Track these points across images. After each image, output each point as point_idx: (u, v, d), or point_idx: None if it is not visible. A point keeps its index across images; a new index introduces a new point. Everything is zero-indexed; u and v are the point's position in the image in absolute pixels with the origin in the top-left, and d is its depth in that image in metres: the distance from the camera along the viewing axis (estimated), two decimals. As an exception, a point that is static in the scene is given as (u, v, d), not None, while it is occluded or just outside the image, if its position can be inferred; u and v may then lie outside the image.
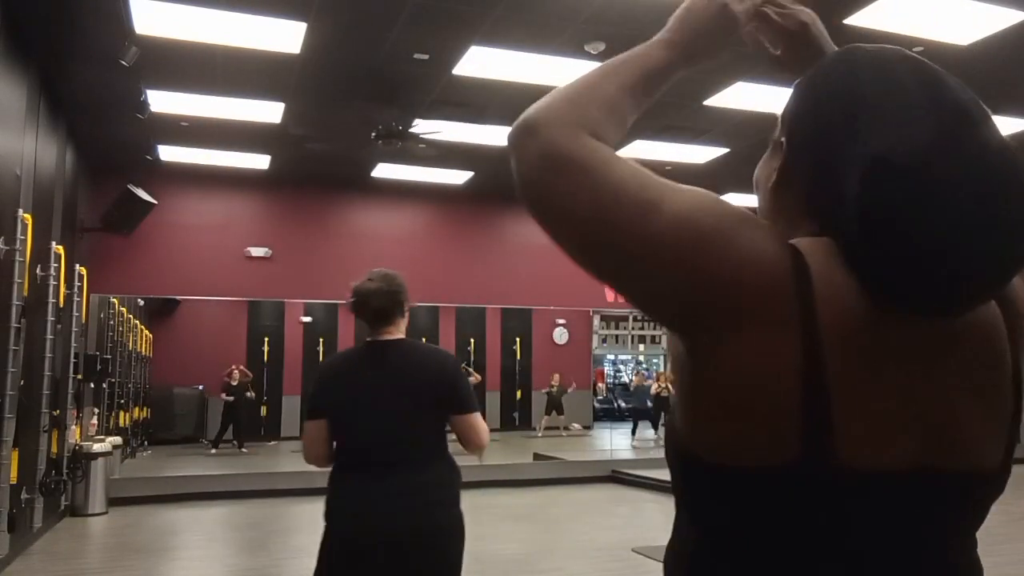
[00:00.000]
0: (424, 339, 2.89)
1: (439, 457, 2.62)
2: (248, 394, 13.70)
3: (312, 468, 2.75)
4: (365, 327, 2.79)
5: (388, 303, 2.69)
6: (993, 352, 0.79)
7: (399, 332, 2.73)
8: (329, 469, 2.67)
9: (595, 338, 19.34)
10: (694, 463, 0.77)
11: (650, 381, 16.10)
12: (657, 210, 0.78)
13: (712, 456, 0.74)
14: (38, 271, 6.52)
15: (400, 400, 2.59)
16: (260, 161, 9.45)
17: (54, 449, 7.33)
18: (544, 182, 0.83)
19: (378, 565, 2.47)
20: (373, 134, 7.71)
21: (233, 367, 13.81)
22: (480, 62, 6.53)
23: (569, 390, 15.74)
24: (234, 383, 13.55)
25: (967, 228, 0.70)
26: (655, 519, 7.90)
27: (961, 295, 0.73)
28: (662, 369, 18.04)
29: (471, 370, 14.66)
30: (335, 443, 2.65)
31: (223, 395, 13.45)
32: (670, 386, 10.99)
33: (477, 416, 2.66)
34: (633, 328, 20.03)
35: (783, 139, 0.87)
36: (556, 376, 15.77)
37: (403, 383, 2.62)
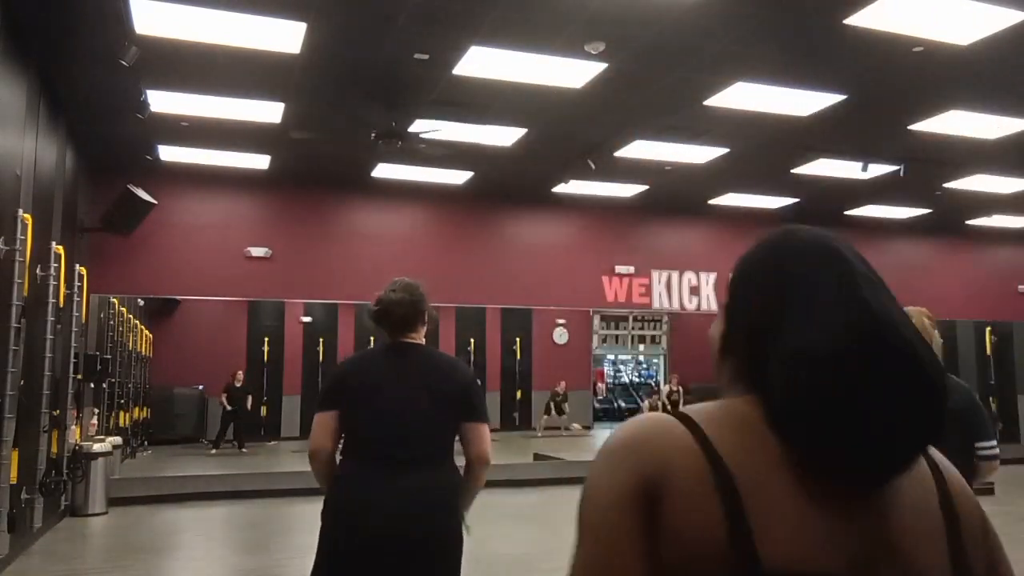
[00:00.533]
0: (427, 329, 2.92)
1: (448, 461, 2.66)
2: (249, 399, 13.75)
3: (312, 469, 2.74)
4: (368, 328, 2.82)
5: (411, 312, 2.76)
6: (926, 521, 0.86)
7: (419, 339, 2.80)
8: (325, 468, 2.67)
9: (595, 338, 19.33)
10: None
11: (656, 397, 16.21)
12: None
13: None
14: (38, 271, 6.52)
15: (418, 400, 2.62)
16: (260, 161, 9.45)
17: (54, 449, 7.33)
18: None
19: (385, 559, 2.47)
20: (373, 134, 7.71)
21: (239, 371, 13.88)
22: (480, 62, 6.53)
23: (559, 390, 15.79)
24: (238, 384, 13.57)
25: (874, 413, 0.80)
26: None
27: (868, 470, 0.82)
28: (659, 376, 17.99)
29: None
30: (348, 436, 2.65)
31: (223, 399, 13.45)
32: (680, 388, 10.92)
33: (487, 427, 2.71)
34: (633, 328, 20.03)
35: (728, 305, 0.97)
36: (562, 383, 15.84)
37: (422, 384, 2.66)
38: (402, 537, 2.49)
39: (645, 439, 0.84)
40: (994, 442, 3.00)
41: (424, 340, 2.81)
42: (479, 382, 2.83)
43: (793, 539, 0.79)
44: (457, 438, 2.71)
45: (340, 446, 2.70)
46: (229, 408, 13.39)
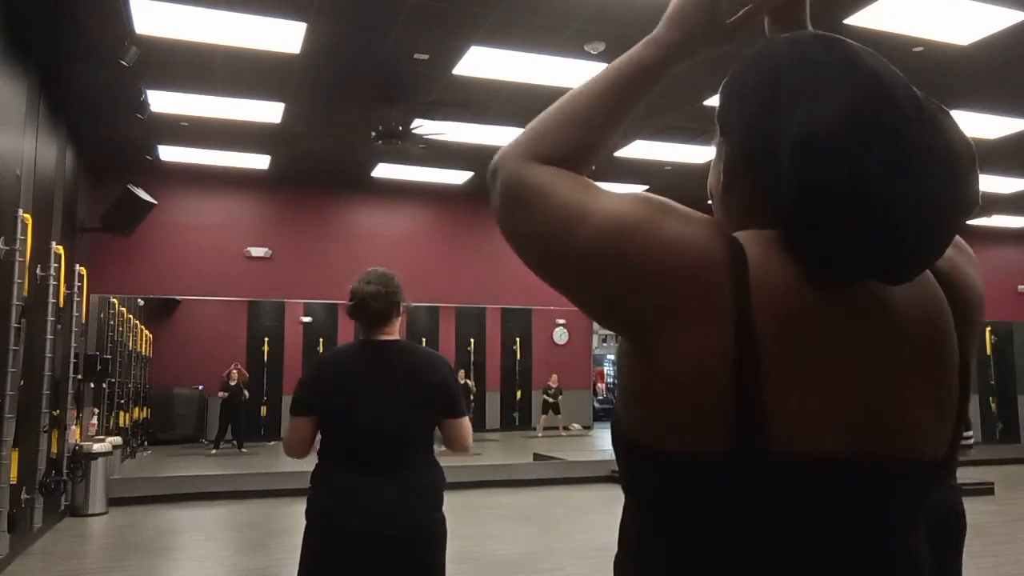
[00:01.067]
0: (424, 339, 2.90)
1: (428, 459, 2.64)
2: (244, 394, 13.71)
3: (312, 468, 2.74)
4: (355, 327, 2.79)
5: (387, 305, 2.70)
6: (936, 334, 0.79)
7: (395, 332, 2.73)
8: (309, 461, 2.66)
9: (595, 338, 19.33)
10: (637, 452, 0.79)
11: None
12: (584, 220, 0.79)
13: (653, 444, 0.76)
14: (38, 271, 6.52)
15: (396, 399, 2.58)
16: (260, 161, 9.45)
17: (54, 449, 7.33)
18: (504, 216, 0.87)
19: (371, 563, 2.46)
20: (373, 134, 7.71)
21: (232, 367, 13.83)
22: (480, 62, 6.53)
23: (552, 384, 15.78)
24: (232, 382, 13.56)
25: (892, 195, 0.71)
26: (655, 519, 7.89)
27: (893, 259, 0.74)
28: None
29: (470, 383, 14.67)
30: (325, 439, 2.63)
31: (219, 393, 13.46)
32: None
33: (467, 420, 2.69)
34: (633, 328, 20.02)
35: (721, 138, 0.89)
36: (554, 377, 15.81)
37: (399, 383, 2.62)
38: (385, 537, 2.47)
39: (686, 211, 0.79)
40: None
41: (399, 333, 2.76)
42: (456, 376, 2.79)
43: (803, 408, 0.72)
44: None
45: (318, 447, 2.67)
46: (224, 394, 13.34)
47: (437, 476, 2.64)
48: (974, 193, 0.76)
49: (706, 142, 8.70)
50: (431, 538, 2.56)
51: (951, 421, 0.80)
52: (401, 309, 2.75)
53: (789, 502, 0.73)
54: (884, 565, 0.77)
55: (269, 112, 7.73)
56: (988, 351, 14.10)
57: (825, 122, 0.73)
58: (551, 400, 15.70)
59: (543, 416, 15.74)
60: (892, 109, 0.74)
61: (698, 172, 9.72)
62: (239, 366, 13.91)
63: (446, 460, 2.73)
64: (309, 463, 2.71)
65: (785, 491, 0.73)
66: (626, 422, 0.79)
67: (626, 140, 8.68)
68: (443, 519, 2.61)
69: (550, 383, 15.80)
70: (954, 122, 0.76)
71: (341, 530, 2.50)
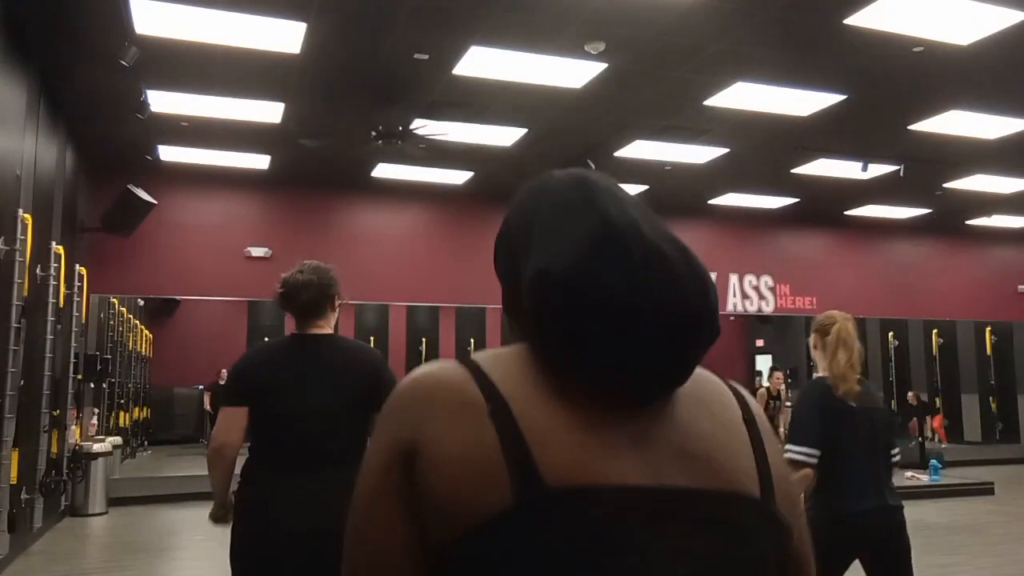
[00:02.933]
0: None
1: (359, 456, 2.56)
2: None
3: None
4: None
5: (318, 296, 2.63)
6: (714, 401, 0.85)
7: (328, 327, 2.67)
8: (229, 467, 2.58)
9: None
10: (438, 550, 0.76)
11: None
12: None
13: (440, 536, 0.75)
14: (38, 271, 6.52)
15: (328, 396, 2.52)
16: (260, 161, 9.45)
17: (54, 449, 7.33)
18: None
19: (295, 565, 2.40)
20: (373, 134, 7.71)
21: (223, 370, 13.83)
22: (480, 62, 6.53)
23: None
24: (222, 382, 13.55)
25: (626, 325, 0.76)
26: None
27: (637, 384, 0.78)
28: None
29: None
30: (255, 438, 2.57)
31: (207, 399, 13.39)
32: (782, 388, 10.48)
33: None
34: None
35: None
36: None
37: (331, 378, 2.55)
38: (313, 539, 2.41)
39: (412, 396, 0.81)
40: (798, 448, 2.89)
41: (333, 328, 2.69)
42: (388, 370, 2.69)
43: (575, 455, 0.74)
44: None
45: (248, 444, 2.60)
46: (211, 411, 13.31)
47: None
48: (706, 319, 0.80)
49: (706, 142, 8.70)
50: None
51: (747, 465, 0.81)
52: (336, 304, 2.69)
53: (593, 535, 0.72)
54: None
55: (269, 112, 7.73)
56: (988, 351, 14.10)
57: (558, 258, 0.80)
58: None
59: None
60: (617, 251, 0.79)
61: (698, 172, 9.72)
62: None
63: None
64: (217, 453, 2.61)
65: (583, 523, 0.72)
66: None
67: (626, 140, 8.68)
68: None
69: None
70: (684, 256, 0.82)
71: (267, 526, 2.44)
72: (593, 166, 9.10)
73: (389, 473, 0.79)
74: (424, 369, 0.83)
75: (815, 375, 3.07)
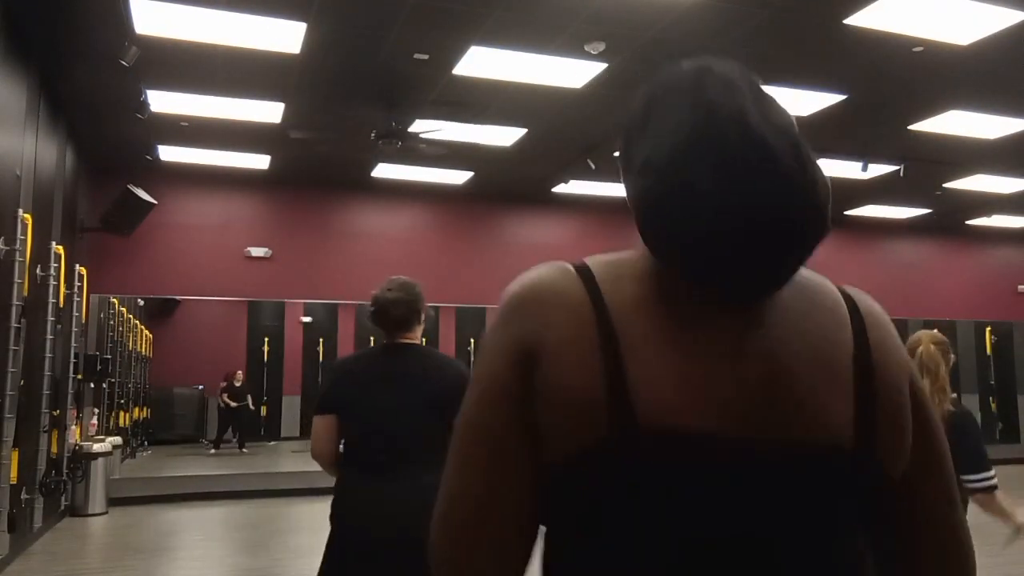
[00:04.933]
0: (424, 339, 2.91)
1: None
2: (249, 400, 13.73)
3: (312, 468, 2.74)
4: (368, 328, 2.83)
5: (407, 312, 2.75)
6: (817, 327, 0.82)
7: (416, 338, 2.79)
8: (331, 468, 2.67)
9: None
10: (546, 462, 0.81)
11: None
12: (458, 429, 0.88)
13: (547, 456, 0.79)
14: (38, 271, 6.52)
15: (414, 402, 2.62)
16: (260, 161, 9.45)
17: (54, 449, 7.33)
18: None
19: (389, 566, 2.46)
20: (373, 134, 7.71)
21: (238, 371, 13.87)
22: (480, 62, 6.53)
23: None
24: (238, 384, 13.57)
25: (717, 220, 0.74)
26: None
27: (728, 284, 0.77)
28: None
29: None
30: (346, 441, 2.65)
31: (225, 397, 13.43)
32: None
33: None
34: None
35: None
36: None
37: (417, 385, 2.66)
38: (399, 537, 2.47)
39: (532, 298, 0.82)
40: (985, 473, 2.94)
41: (420, 340, 2.81)
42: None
43: (673, 391, 0.76)
44: None
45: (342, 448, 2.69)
46: (233, 405, 13.36)
47: None
48: (811, 212, 0.76)
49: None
50: None
51: (851, 408, 0.79)
52: (422, 317, 2.81)
53: (674, 478, 0.75)
54: (787, 556, 0.77)
55: (269, 112, 7.73)
56: (988, 351, 14.10)
57: (660, 148, 0.79)
58: None
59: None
60: (717, 141, 0.77)
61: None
62: (240, 372, 13.96)
63: None
64: (315, 460, 2.71)
65: (666, 466, 0.75)
66: None
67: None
68: None
69: None
70: (792, 143, 0.78)
71: (360, 536, 2.52)
72: (593, 166, 9.10)
73: (514, 369, 0.81)
74: (539, 274, 0.85)
75: None
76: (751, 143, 0.76)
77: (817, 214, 0.77)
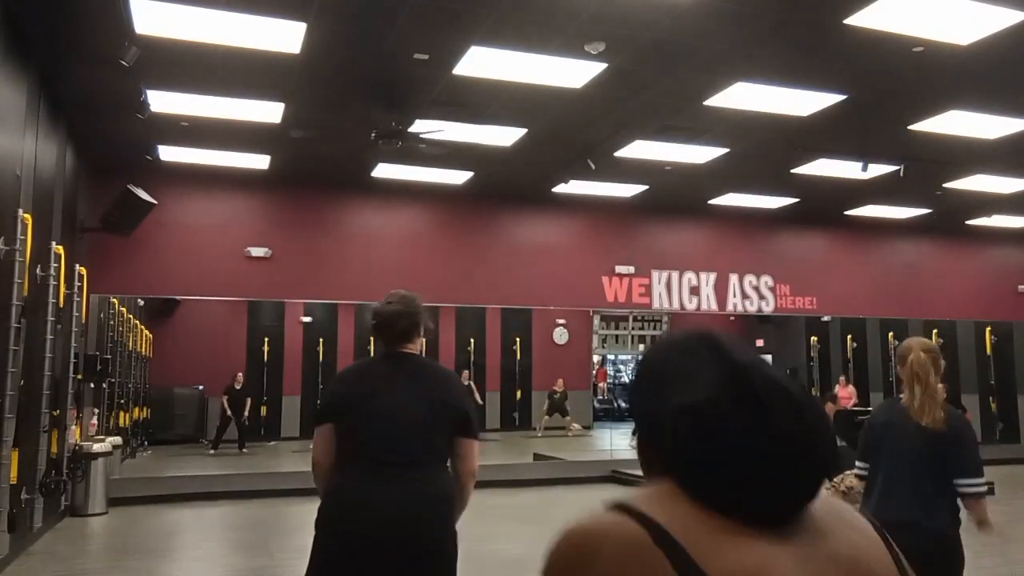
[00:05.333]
0: (424, 340, 2.95)
1: (443, 467, 2.68)
2: (248, 400, 13.73)
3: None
4: (368, 328, 2.86)
5: (409, 325, 2.81)
6: (851, 542, 0.93)
7: (416, 350, 2.85)
8: (325, 481, 2.67)
9: (595, 338, 19.32)
10: None
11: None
12: None
13: None
14: (38, 271, 6.52)
15: (415, 407, 2.66)
16: (260, 161, 9.45)
17: (54, 449, 7.33)
18: None
19: (381, 563, 2.46)
20: (373, 134, 7.71)
21: (239, 373, 13.87)
22: (480, 62, 6.53)
23: (557, 388, 15.79)
24: (238, 386, 13.58)
25: (751, 447, 0.87)
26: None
27: (765, 508, 0.88)
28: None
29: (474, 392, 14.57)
30: (344, 442, 2.66)
31: (225, 401, 13.41)
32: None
33: (477, 444, 2.77)
34: (633, 328, 20.02)
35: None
36: (560, 381, 15.85)
37: (418, 392, 2.70)
38: (398, 540, 2.48)
39: (598, 553, 0.88)
40: (979, 479, 2.96)
41: (419, 351, 2.87)
42: (473, 397, 2.89)
43: None
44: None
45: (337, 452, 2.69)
46: (230, 414, 13.37)
47: (451, 488, 2.67)
48: (825, 452, 0.91)
49: (706, 142, 8.70)
50: (443, 542, 2.58)
51: None
52: (422, 329, 2.86)
53: None
54: None
55: (269, 112, 7.73)
56: (988, 351, 14.10)
57: (698, 394, 0.92)
58: (556, 399, 15.74)
59: (546, 416, 15.75)
60: (748, 386, 0.91)
61: (698, 172, 9.71)
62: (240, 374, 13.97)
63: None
64: (315, 465, 2.71)
65: None
66: None
67: (626, 140, 8.68)
68: (456, 535, 2.63)
69: (555, 387, 15.83)
70: (804, 397, 0.93)
71: (352, 534, 2.52)
72: (593, 166, 9.10)
73: None
74: (597, 526, 0.90)
75: (899, 394, 3.23)
76: (774, 386, 0.91)
77: (831, 439, 0.92)
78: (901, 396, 3.11)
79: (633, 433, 15.16)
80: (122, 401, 12.11)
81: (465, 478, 2.72)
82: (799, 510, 0.91)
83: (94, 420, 9.52)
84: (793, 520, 0.90)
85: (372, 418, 2.63)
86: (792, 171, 9.79)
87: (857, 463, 3.21)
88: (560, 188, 10.50)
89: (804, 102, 7.45)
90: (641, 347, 20.53)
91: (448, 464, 2.71)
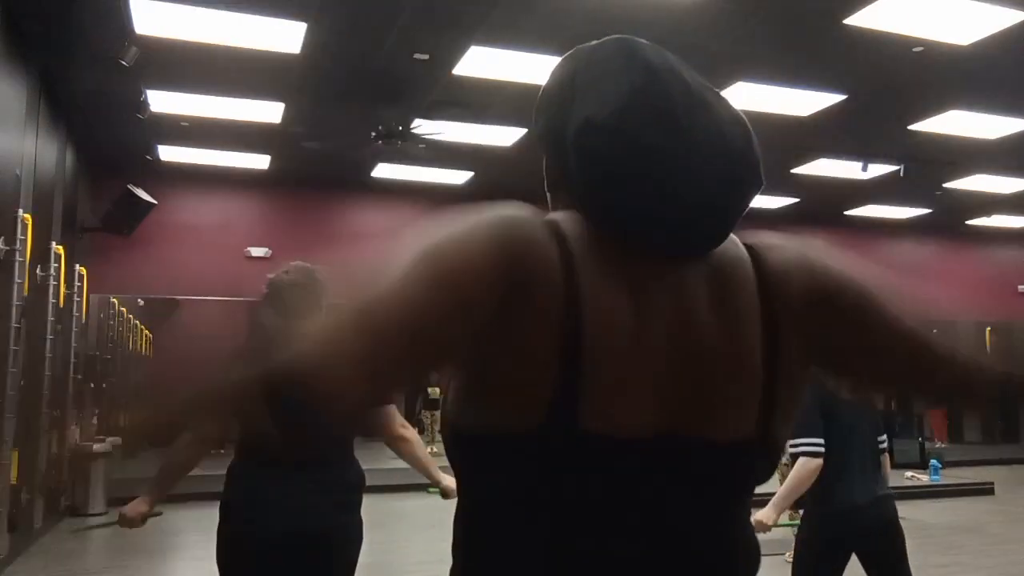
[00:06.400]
0: None
1: (346, 457, 2.52)
2: None
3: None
4: None
5: (304, 296, 2.55)
6: (735, 320, 0.82)
7: None
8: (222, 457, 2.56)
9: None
10: (458, 436, 0.82)
11: None
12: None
13: (471, 429, 0.79)
14: (38, 271, 6.52)
15: None
16: (260, 161, 9.45)
17: (54, 449, 7.33)
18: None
19: (284, 562, 2.37)
20: (373, 134, 7.71)
21: None
22: (480, 62, 6.53)
23: None
24: None
25: (662, 166, 0.76)
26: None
27: (672, 224, 0.78)
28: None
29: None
30: (241, 435, 2.53)
31: None
32: None
33: (393, 407, 2.56)
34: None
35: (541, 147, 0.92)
36: None
37: None
38: (299, 536, 2.37)
39: (523, 237, 0.78)
40: (806, 440, 2.84)
41: None
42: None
43: (621, 395, 0.76)
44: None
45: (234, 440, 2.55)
46: None
47: (358, 476, 2.52)
48: (749, 167, 0.81)
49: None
50: (345, 535, 2.45)
51: (756, 401, 0.81)
52: (324, 306, 2.61)
53: (596, 480, 0.76)
54: (700, 542, 0.80)
55: (269, 112, 7.73)
56: (988, 351, 14.09)
57: (603, 107, 0.79)
58: None
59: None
60: (661, 96, 0.79)
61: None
62: None
63: (440, 459, 2.67)
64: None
65: (592, 469, 0.76)
66: (452, 407, 0.83)
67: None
68: (361, 522, 2.49)
69: None
70: (726, 104, 0.84)
71: (254, 526, 2.40)
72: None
73: (493, 281, 0.74)
74: (514, 215, 0.79)
75: None
76: (692, 96, 0.81)
77: (757, 163, 0.81)
78: None
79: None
80: (122, 401, 12.10)
81: (397, 441, 2.54)
82: (708, 245, 0.81)
83: (94, 420, 9.51)
84: (690, 254, 0.80)
85: (267, 411, 2.47)
86: (792, 171, 9.79)
87: (812, 440, 2.81)
88: (560, 188, 10.50)
89: (804, 102, 7.45)
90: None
91: (353, 451, 2.54)
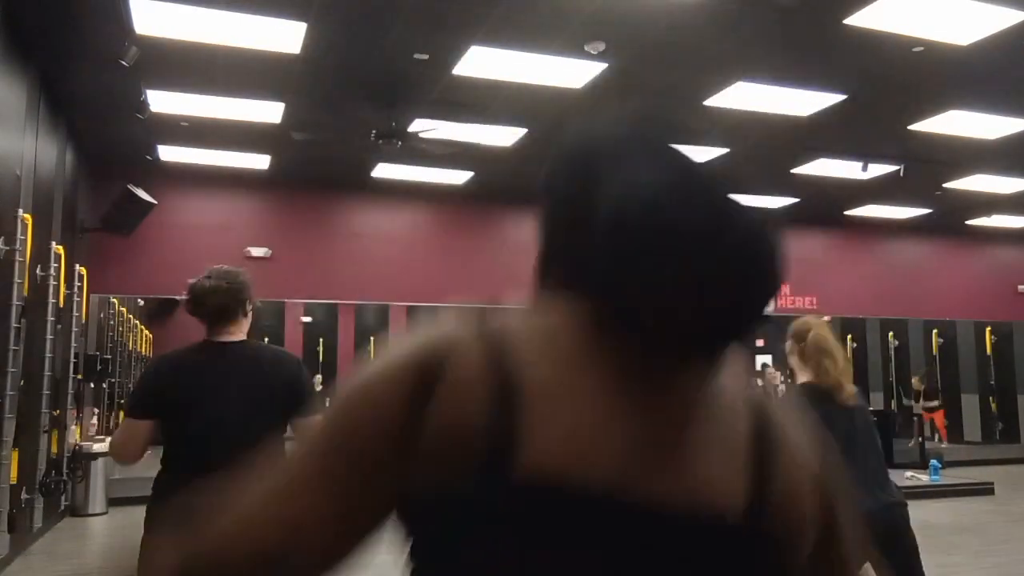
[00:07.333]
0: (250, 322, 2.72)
1: None
2: None
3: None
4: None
5: (228, 301, 2.56)
6: (725, 438, 0.76)
7: (240, 333, 2.59)
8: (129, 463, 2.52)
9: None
10: (401, 505, 0.75)
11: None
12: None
13: (411, 494, 0.72)
14: (38, 271, 6.52)
15: (241, 404, 2.43)
16: (260, 161, 9.45)
17: (54, 449, 7.33)
18: None
19: None
20: (373, 134, 7.70)
21: None
22: (480, 62, 6.53)
23: None
24: None
25: (690, 263, 0.70)
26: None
27: (697, 335, 0.72)
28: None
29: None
30: (167, 448, 2.48)
31: None
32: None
33: (318, 418, 2.53)
34: (633, 328, 20.00)
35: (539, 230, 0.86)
36: None
37: (244, 386, 2.47)
38: None
39: (429, 339, 0.75)
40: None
41: (246, 335, 2.61)
42: (307, 373, 2.61)
43: (569, 442, 0.69)
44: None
45: (161, 456, 2.52)
46: None
47: None
48: (777, 267, 0.73)
49: (706, 142, 8.69)
50: None
51: (745, 482, 0.74)
52: (248, 309, 2.61)
53: (537, 535, 0.68)
54: None
55: (269, 112, 7.73)
56: (988, 351, 14.09)
57: (637, 198, 0.73)
58: None
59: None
60: (702, 188, 0.74)
61: (698, 172, 9.72)
62: None
63: None
64: (117, 461, 2.60)
65: (532, 522, 0.68)
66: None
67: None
68: None
69: None
70: (753, 208, 0.75)
71: None
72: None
73: (405, 384, 0.71)
74: (432, 342, 0.75)
75: (800, 381, 2.98)
76: (728, 193, 0.75)
77: (780, 271, 0.74)
78: (807, 381, 2.90)
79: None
80: (122, 401, 12.10)
81: None
82: (720, 346, 0.74)
83: (94, 420, 9.52)
84: (704, 358, 0.74)
85: (192, 427, 2.40)
86: (792, 171, 9.79)
87: None
88: (560, 188, 10.49)
89: (804, 102, 7.45)
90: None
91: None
